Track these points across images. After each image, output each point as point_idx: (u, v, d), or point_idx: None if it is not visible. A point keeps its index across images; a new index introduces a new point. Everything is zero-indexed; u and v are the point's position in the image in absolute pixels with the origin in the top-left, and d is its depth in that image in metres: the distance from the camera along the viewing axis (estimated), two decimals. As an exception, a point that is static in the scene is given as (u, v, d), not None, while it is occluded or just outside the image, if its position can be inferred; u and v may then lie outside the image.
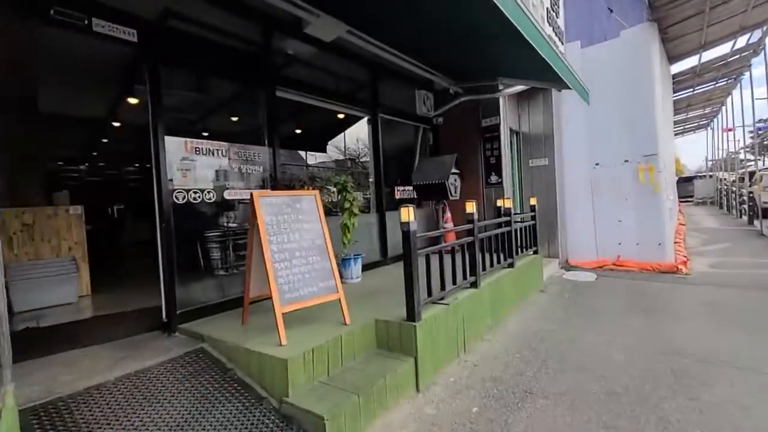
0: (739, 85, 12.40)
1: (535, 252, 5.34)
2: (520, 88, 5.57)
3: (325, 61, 4.94)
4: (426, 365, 2.78)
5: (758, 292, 4.67)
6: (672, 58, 8.32)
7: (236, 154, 3.75)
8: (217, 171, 3.63)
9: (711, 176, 20.30)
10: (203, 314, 3.30)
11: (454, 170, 5.59)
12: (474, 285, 3.59)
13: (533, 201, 5.32)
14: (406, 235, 2.71)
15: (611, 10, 6.89)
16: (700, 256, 7.63)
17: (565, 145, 6.92)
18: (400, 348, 2.79)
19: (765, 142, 20.38)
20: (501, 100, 5.75)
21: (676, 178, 22.87)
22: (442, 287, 3.22)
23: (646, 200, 6.39)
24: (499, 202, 4.82)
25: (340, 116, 5.65)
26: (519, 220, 5.37)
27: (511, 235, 4.46)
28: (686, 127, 18.75)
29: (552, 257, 6.55)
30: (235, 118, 5.24)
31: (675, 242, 9.16)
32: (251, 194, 2.81)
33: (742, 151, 15.00)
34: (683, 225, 12.06)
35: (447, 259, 3.38)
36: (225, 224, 3.79)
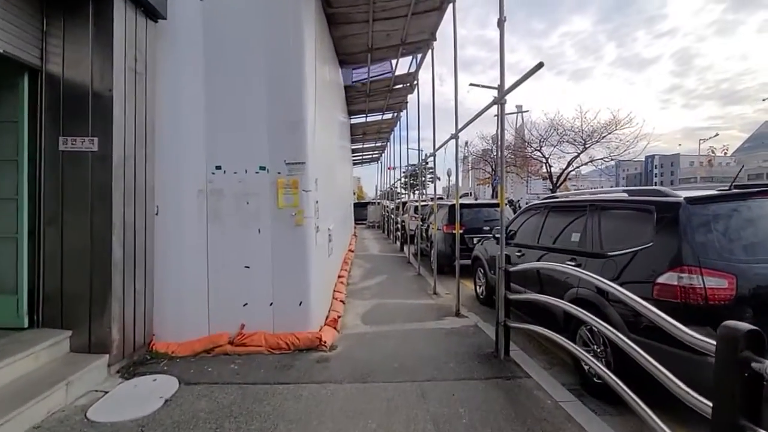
0: (398, 123, 13.71)
1: None
2: None
3: None
4: None
5: (411, 392, 2.86)
6: (343, 60, 7.03)
7: None
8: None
9: (379, 203, 23.49)
10: None
11: None
12: None
13: None
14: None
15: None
16: (359, 298, 6.32)
17: (160, 124, 3.72)
18: None
19: (411, 181, 25.67)
20: None
21: (353, 203, 25.63)
22: None
23: (286, 235, 4.02)
24: None
25: None
26: None
27: None
28: (363, 156, 20.80)
29: (96, 351, 3.04)
30: None
31: (339, 276, 7.89)
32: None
33: (397, 184, 17.25)
34: (353, 251, 11.82)
35: None
36: None
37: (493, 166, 24.50)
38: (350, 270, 8.91)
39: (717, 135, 66.61)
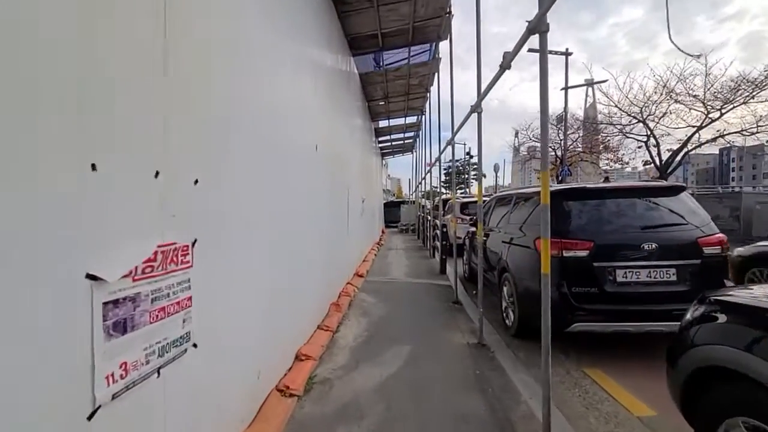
0: (438, 80, 8.99)
1: None
2: None
3: None
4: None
5: None
6: None
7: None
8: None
9: (413, 202, 18.91)
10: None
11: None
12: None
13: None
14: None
15: None
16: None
17: None
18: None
19: (455, 179, 20.81)
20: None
21: (383, 202, 21.07)
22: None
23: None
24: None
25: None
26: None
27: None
28: (393, 142, 16.24)
29: None
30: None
31: (300, 356, 3.35)
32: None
33: (428, 177, 12.59)
34: (362, 276, 7.28)
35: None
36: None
37: (560, 153, 18.92)
38: (340, 326, 4.42)
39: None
